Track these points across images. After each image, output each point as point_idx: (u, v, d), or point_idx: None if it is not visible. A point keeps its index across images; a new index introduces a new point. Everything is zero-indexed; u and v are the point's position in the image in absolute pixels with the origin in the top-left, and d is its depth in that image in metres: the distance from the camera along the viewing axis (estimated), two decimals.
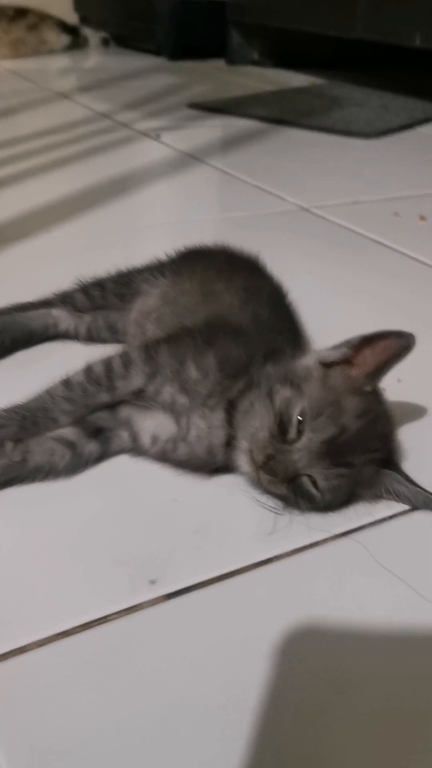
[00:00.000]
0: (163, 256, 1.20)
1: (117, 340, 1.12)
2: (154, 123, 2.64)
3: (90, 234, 1.63)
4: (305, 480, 0.81)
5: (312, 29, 3.39)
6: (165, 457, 0.89)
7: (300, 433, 0.80)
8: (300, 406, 0.80)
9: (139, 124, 2.63)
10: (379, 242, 1.65)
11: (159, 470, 0.89)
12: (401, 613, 0.72)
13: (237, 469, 0.86)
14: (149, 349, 0.91)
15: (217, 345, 0.88)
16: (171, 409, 0.88)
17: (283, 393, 0.82)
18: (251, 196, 1.94)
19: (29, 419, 0.87)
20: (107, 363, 0.91)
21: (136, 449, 0.90)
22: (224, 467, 0.88)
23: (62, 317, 1.15)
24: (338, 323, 1.01)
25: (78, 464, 0.87)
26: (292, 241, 1.64)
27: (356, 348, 0.84)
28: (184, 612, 0.70)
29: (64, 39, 4.38)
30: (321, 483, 0.80)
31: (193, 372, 0.87)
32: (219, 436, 0.86)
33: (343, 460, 0.80)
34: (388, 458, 0.85)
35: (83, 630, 0.68)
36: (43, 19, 4.24)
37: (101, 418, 0.90)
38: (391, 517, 0.84)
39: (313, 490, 0.81)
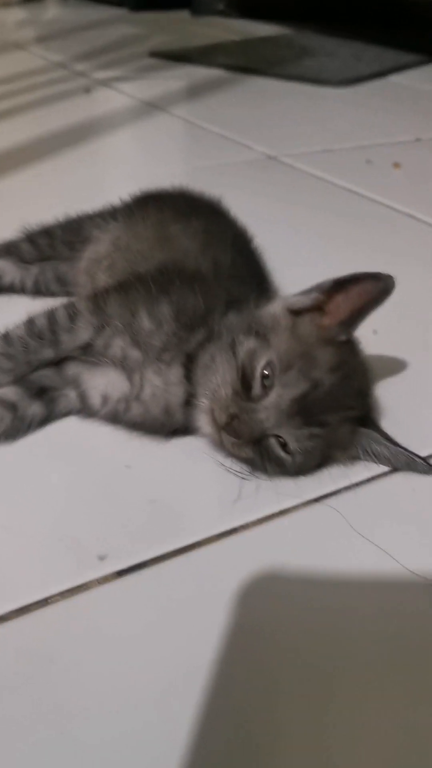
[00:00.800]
0: (117, 202, 1.09)
1: (67, 293, 1.02)
2: (112, 73, 2.50)
3: (42, 183, 1.52)
4: (273, 441, 0.72)
5: None
6: (117, 418, 0.79)
7: (267, 389, 0.71)
8: (266, 358, 0.71)
9: (98, 74, 2.48)
10: (351, 190, 1.55)
11: (110, 434, 0.79)
12: (379, 584, 0.64)
13: (197, 431, 0.77)
14: (97, 299, 0.81)
15: (172, 292, 0.79)
16: (122, 364, 0.79)
17: (247, 344, 0.73)
18: (216, 145, 1.83)
19: None
20: (50, 315, 0.81)
21: (84, 410, 0.81)
22: (183, 429, 0.79)
23: (6, 269, 1.04)
24: (308, 271, 0.90)
25: (19, 427, 0.77)
26: (259, 189, 1.53)
27: (328, 293, 0.75)
28: (137, 590, 0.62)
29: None
30: (291, 445, 0.71)
31: (145, 322, 0.78)
32: (176, 394, 0.77)
33: (315, 419, 0.71)
34: (365, 416, 0.76)
35: (18, 616, 0.59)
36: None
37: (45, 376, 0.80)
38: (368, 480, 0.76)
39: (282, 453, 0.72)
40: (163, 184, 1.11)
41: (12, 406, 0.77)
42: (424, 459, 0.74)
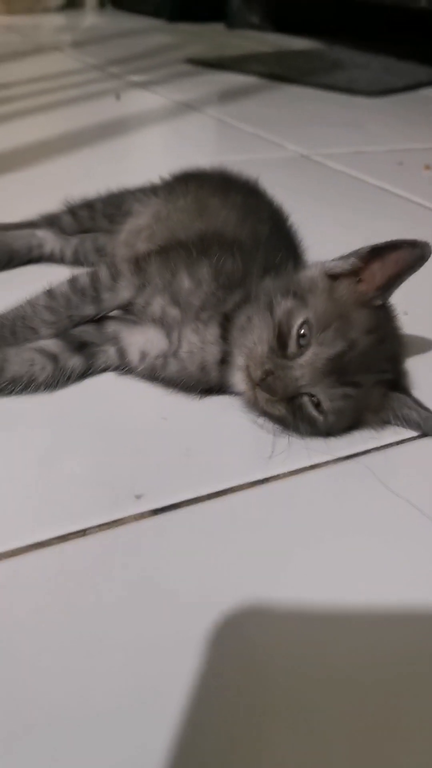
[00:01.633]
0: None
1: None
2: (147, 76, 2.55)
3: (79, 171, 1.55)
4: (306, 400, 0.73)
5: None
6: (154, 374, 0.81)
7: (302, 348, 0.73)
8: (303, 317, 0.73)
9: (133, 77, 2.53)
10: (382, 188, 1.58)
11: (147, 389, 0.81)
12: (409, 537, 0.65)
13: (232, 390, 0.79)
14: (139, 261, 0.84)
15: (212, 255, 0.81)
16: (161, 322, 0.81)
17: (284, 304, 0.75)
18: (249, 143, 1.86)
19: (7, 328, 0.80)
20: (93, 274, 0.83)
21: (123, 366, 0.83)
22: (218, 388, 0.81)
23: (47, 238, 1.07)
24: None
25: (60, 378, 0.79)
26: (292, 184, 1.55)
27: (365, 259, 0.76)
28: (172, 528, 0.64)
29: None
30: (324, 404, 0.73)
31: (185, 282, 0.80)
32: (213, 353, 0.79)
33: (349, 379, 0.73)
34: (397, 380, 0.78)
35: (60, 542, 0.61)
36: None
37: (86, 332, 0.82)
38: (398, 443, 0.77)
39: (315, 412, 0.74)
40: None
41: (53, 357, 0.79)
42: None
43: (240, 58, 2.97)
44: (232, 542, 0.63)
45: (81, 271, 0.85)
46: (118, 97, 2.22)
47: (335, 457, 0.74)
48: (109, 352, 0.83)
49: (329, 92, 2.50)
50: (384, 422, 0.78)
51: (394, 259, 0.75)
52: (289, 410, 0.74)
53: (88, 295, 0.82)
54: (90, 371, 0.82)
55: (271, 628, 0.55)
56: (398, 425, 0.78)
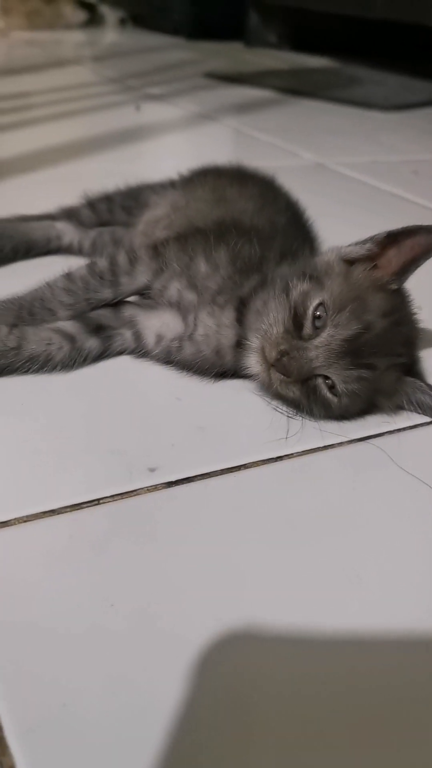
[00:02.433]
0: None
1: None
2: (166, 89, 2.58)
3: (98, 172, 1.57)
4: (321, 382, 0.74)
5: (331, 9, 3.33)
6: (170, 357, 0.82)
7: (318, 329, 0.73)
8: (319, 299, 0.74)
9: (151, 89, 2.57)
10: (397, 195, 1.59)
11: (162, 371, 0.82)
12: (424, 515, 0.65)
13: (246, 373, 0.79)
14: (157, 246, 0.85)
15: (229, 240, 0.82)
16: (178, 306, 0.82)
17: (300, 286, 0.75)
18: (265, 151, 1.88)
19: (26, 308, 0.81)
20: (112, 258, 0.84)
21: (138, 349, 0.83)
22: (232, 371, 0.81)
23: (66, 230, 1.09)
24: None
25: (76, 358, 0.80)
26: (307, 190, 1.55)
27: (381, 245, 0.77)
28: (186, 500, 0.64)
29: (81, 15, 4.33)
30: (339, 386, 0.73)
31: (202, 266, 0.81)
32: (228, 336, 0.80)
33: (364, 361, 0.73)
34: (411, 365, 0.78)
35: (72, 510, 0.61)
36: None
37: (103, 315, 0.83)
38: (412, 427, 0.77)
39: (329, 394, 0.74)
40: None
41: (71, 338, 0.80)
42: None
43: (257, 74, 3.00)
44: (243, 517, 0.63)
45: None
46: (138, 108, 2.24)
47: (349, 439, 0.74)
48: (126, 336, 0.83)
49: (345, 106, 2.52)
50: (397, 407, 0.78)
51: (410, 245, 0.76)
52: (303, 392, 0.74)
53: (107, 278, 0.83)
54: (106, 354, 0.83)
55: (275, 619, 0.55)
56: (411, 410, 0.78)
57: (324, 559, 0.59)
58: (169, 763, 0.43)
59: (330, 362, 0.72)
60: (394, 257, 0.77)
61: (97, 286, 0.82)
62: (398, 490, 0.68)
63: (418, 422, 0.78)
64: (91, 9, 4.43)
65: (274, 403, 0.77)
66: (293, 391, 0.75)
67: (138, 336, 0.83)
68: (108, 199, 1.10)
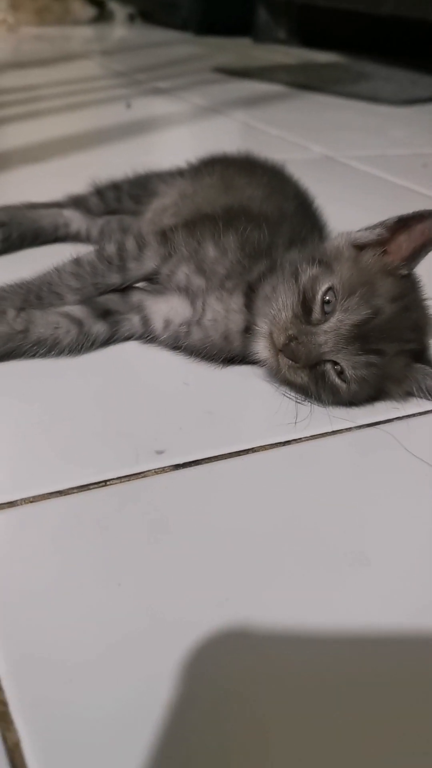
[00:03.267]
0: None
1: None
2: (173, 83, 2.57)
3: (105, 162, 1.56)
4: (329, 367, 0.73)
5: (340, 6, 3.32)
6: (177, 342, 0.82)
7: (327, 314, 0.73)
8: (328, 283, 0.73)
9: (159, 83, 2.56)
10: (407, 188, 1.58)
11: (170, 357, 0.82)
12: None
13: (254, 359, 0.79)
14: (166, 232, 0.84)
15: (238, 226, 0.81)
16: (186, 291, 0.81)
17: (310, 271, 0.75)
18: (274, 144, 1.87)
19: (33, 292, 0.80)
20: (120, 243, 0.84)
21: (146, 334, 0.83)
22: (240, 357, 0.81)
23: (74, 218, 1.08)
24: None
25: (83, 343, 0.80)
26: (317, 182, 1.55)
27: (392, 230, 0.76)
28: (193, 483, 0.63)
29: (90, 11, 4.32)
30: (348, 372, 0.72)
31: (211, 251, 0.80)
32: (236, 321, 0.79)
33: (373, 347, 0.72)
34: (420, 351, 0.78)
35: (79, 491, 0.61)
36: None
37: (111, 300, 0.83)
38: (422, 414, 0.76)
39: (338, 380, 0.73)
40: None
41: (78, 322, 0.80)
42: None
43: (266, 68, 2.99)
44: (250, 500, 0.62)
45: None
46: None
47: (357, 424, 0.73)
48: (133, 321, 0.83)
49: (354, 101, 2.51)
50: (407, 393, 0.78)
51: (420, 230, 0.75)
52: (312, 378, 0.74)
53: (115, 263, 0.82)
54: (114, 339, 0.83)
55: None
56: (421, 397, 0.77)
57: (332, 543, 0.58)
58: (167, 741, 0.42)
59: (339, 348, 0.72)
60: (404, 242, 0.76)
61: (105, 271, 0.82)
62: (408, 476, 0.67)
63: (428, 408, 0.77)
64: (99, 5, 4.43)
65: (283, 388, 0.77)
66: (301, 377, 0.74)
67: (146, 321, 0.83)
68: (116, 187, 1.09)
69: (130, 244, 0.83)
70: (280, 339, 0.73)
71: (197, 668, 0.47)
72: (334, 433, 0.72)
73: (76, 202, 1.10)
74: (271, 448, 0.69)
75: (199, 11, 4.08)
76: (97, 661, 0.47)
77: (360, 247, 0.78)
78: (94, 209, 1.09)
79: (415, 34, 3.54)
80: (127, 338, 0.83)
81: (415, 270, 0.77)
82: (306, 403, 0.75)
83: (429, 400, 0.77)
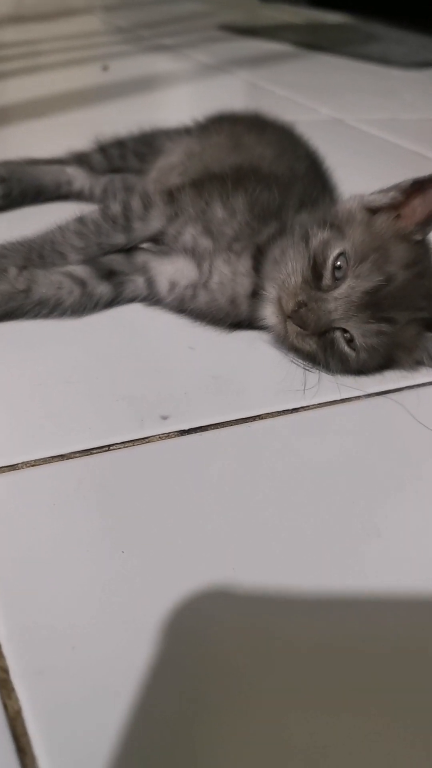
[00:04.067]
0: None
1: None
2: (178, 39, 2.51)
3: (108, 120, 1.52)
4: (339, 335, 0.71)
5: None
6: (183, 305, 0.79)
7: (338, 280, 0.70)
8: (340, 248, 0.71)
9: (163, 40, 2.50)
10: (419, 153, 1.54)
11: (174, 320, 0.80)
12: None
13: (261, 324, 0.77)
14: (172, 192, 0.82)
15: (247, 186, 0.79)
16: (192, 252, 0.79)
17: (320, 235, 0.72)
18: (281, 105, 1.82)
19: (36, 251, 0.78)
20: (126, 203, 0.81)
21: (151, 296, 0.81)
22: (247, 322, 0.79)
23: (77, 176, 1.05)
24: None
25: (87, 304, 0.78)
26: (326, 145, 1.51)
27: (406, 193, 0.74)
28: (198, 449, 0.62)
29: None
30: (357, 340, 0.71)
31: (219, 212, 0.78)
32: (244, 285, 0.77)
33: (384, 314, 0.70)
34: None
35: (82, 456, 0.59)
36: None
37: (115, 260, 0.81)
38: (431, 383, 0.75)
39: (347, 348, 0.71)
40: None
41: (81, 283, 0.77)
42: None
43: (273, 27, 2.92)
44: (256, 467, 0.61)
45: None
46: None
47: (366, 393, 0.72)
48: (138, 282, 0.81)
49: (363, 62, 2.46)
50: (417, 363, 0.76)
51: None
52: (320, 346, 0.72)
53: (119, 223, 0.80)
54: (117, 300, 0.80)
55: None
56: (431, 367, 0.75)
57: (339, 512, 0.57)
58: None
59: (349, 315, 0.70)
60: (419, 206, 0.74)
61: (110, 231, 0.80)
62: (416, 445, 0.66)
63: None
64: None
65: (290, 355, 0.75)
66: (310, 344, 0.72)
67: (151, 283, 0.80)
68: (120, 144, 1.06)
69: (136, 203, 0.81)
70: (289, 305, 0.71)
71: (191, 631, 0.46)
72: (342, 401, 0.70)
73: (79, 159, 1.06)
74: (278, 416, 0.67)
75: None
76: (97, 627, 0.46)
77: (373, 211, 0.75)
78: (98, 167, 1.06)
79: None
80: (131, 300, 0.81)
81: (429, 235, 0.75)
82: (314, 370, 0.73)
83: None
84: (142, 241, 0.82)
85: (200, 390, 0.69)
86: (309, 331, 0.71)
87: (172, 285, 0.79)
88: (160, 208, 0.80)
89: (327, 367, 0.73)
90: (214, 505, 0.56)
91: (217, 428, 0.64)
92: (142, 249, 0.82)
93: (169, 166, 0.98)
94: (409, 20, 3.32)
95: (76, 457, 0.59)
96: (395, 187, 0.75)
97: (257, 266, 0.77)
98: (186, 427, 0.64)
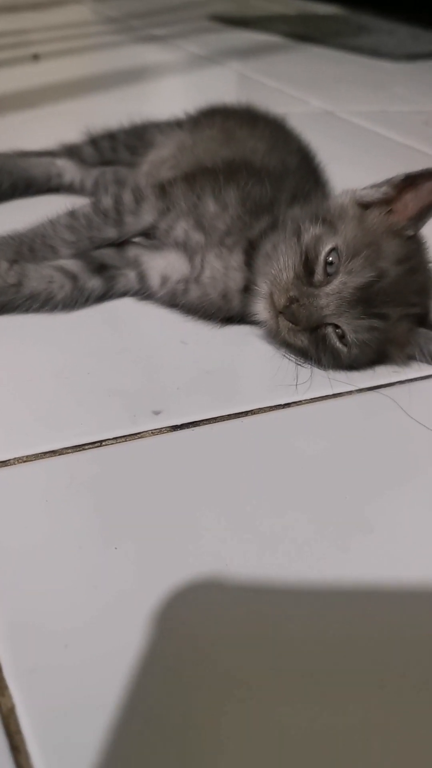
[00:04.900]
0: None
1: None
2: (168, 30, 2.49)
3: (98, 111, 1.51)
4: (330, 331, 0.71)
5: None
6: (174, 300, 0.79)
7: (330, 276, 0.70)
8: (332, 244, 0.71)
9: (153, 30, 2.48)
10: (409, 146, 1.54)
11: (166, 314, 0.79)
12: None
13: (253, 319, 0.77)
14: (164, 185, 0.81)
15: (239, 180, 0.78)
16: (184, 247, 0.78)
17: (312, 230, 0.72)
18: (272, 97, 1.81)
19: (26, 245, 0.77)
20: (117, 196, 0.81)
21: (143, 290, 0.80)
22: (239, 317, 0.79)
23: (67, 168, 1.05)
24: None
25: (78, 298, 0.77)
26: (316, 138, 1.51)
27: (398, 188, 0.74)
28: (191, 444, 0.62)
29: None
30: (349, 335, 0.71)
31: (211, 206, 0.77)
32: (236, 279, 0.77)
33: (376, 310, 0.70)
34: (424, 316, 0.76)
35: (74, 452, 0.59)
36: None
37: (107, 254, 0.80)
38: (424, 378, 0.75)
39: (339, 344, 0.71)
40: None
41: (73, 277, 0.77)
42: None
43: (264, 18, 2.91)
44: (249, 463, 0.61)
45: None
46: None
47: (358, 388, 0.72)
48: (129, 276, 0.80)
49: (354, 55, 2.45)
50: (409, 358, 0.76)
51: (428, 189, 0.73)
52: (312, 341, 0.72)
53: (111, 217, 0.79)
54: (109, 294, 0.80)
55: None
56: (424, 362, 0.76)
57: (330, 505, 0.57)
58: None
59: (341, 311, 0.70)
60: (411, 201, 0.74)
61: (101, 225, 0.79)
62: (408, 440, 0.66)
63: (429, 373, 0.76)
64: None
65: (282, 350, 0.75)
66: (301, 340, 0.72)
67: (142, 277, 0.80)
68: (111, 137, 1.05)
69: (127, 196, 0.81)
70: (281, 301, 0.71)
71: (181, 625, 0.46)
72: (334, 396, 0.71)
73: (70, 152, 1.06)
74: (270, 411, 0.67)
75: None
76: (90, 624, 0.46)
77: (365, 206, 0.75)
78: (89, 159, 1.05)
79: None
80: (123, 294, 0.81)
81: (421, 230, 0.75)
82: (306, 365, 0.73)
83: (431, 364, 0.76)
84: (134, 236, 0.81)
85: (192, 385, 0.69)
86: (301, 326, 0.71)
87: (164, 279, 0.79)
88: (152, 202, 0.80)
89: (319, 363, 0.73)
90: (207, 500, 0.56)
91: (210, 423, 0.64)
92: (134, 243, 0.82)
93: (161, 160, 0.97)
94: (400, 12, 3.31)
95: (68, 452, 0.59)
96: (387, 182, 0.75)
97: (249, 261, 0.77)
98: (178, 423, 0.64)
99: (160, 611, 0.47)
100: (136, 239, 0.82)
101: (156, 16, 2.78)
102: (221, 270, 0.77)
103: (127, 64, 1.96)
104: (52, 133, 1.12)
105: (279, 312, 0.72)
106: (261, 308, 0.74)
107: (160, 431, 0.63)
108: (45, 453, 0.58)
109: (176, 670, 0.44)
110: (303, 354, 0.74)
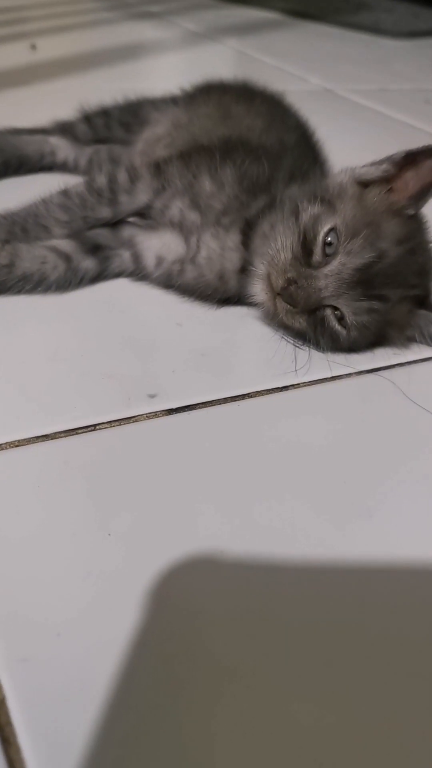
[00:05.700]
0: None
1: None
2: (166, 6, 2.45)
3: (93, 88, 1.48)
4: (329, 313, 0.70)
5: None
6: (170, 280, 0.78)
7: (328, 257, 0.69)
8: (330, 224, 0.69)
9: (150, 7, 2.44)
10: (409, 124, 1.52)
11: (161, 295, 0.78)
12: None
13: (250, 300, 0.75)
14: (159, 164, 0.80)
15: (236, 158, 0.77)
16: (180, 226, 0.77)
17: (311, 210, 0.71)
18: (270, 74, 1.78)
19: (19, 224, 0.76)
20: (111, 175, 0.79)
21: (137, 271, 0.79)
22: (236, 298, 0.77)
23: (61, 146, 1.03)
24: None
25: (71, 279, 0.76)
26: (316, 116, 1.49)
27: (399, 165, 0.72)
28: (186, 428, 0.61)
29: None
30: (348, 317, 0.69)
31: (207, 185, 0.76)
32: (232, 260, 0.75)
33: (376, 292, 0.69)
34: (424, 297, 0.74)
35: (67, 435, 0.58)
36: None
37: (101, 234, 0.79)
38: (424, 360, 0.74)
39: (338, 326, 0.70)
40: None
41: (66, 257, 0.75)
42: None
43: None
44: (246, 446, 0.60)
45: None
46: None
47: (357, 370, 0.71)
48: (124, 257, 0.79)
49: (354, 32, 2.42)
50: (409, 340, 0.75)
51: (429, 166, 0.71)
52: (310, 323, 0.70)
53: (105, 196, 0.78)
54: (103, 275, 0.79)
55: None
56: (423, 344, 0.74)
57: (328, 489, 0.56)
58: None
59: (340, 292, 0.68)
60: (411, 180, 0.72)
61: (95, 204, 0.78)
62: (407, 422, 0.65)
63: (429, 355, 0.75)
64: None
65: (280, 332, 0.73)
66: (300, 322, 0.71)
67: (137, 257, 0.79)
68: (105, 113, 1.03)
69: (122, 175, 0.79)
70: (279, 282, 0.69)
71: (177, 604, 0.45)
72: (333, 379, 0.69)
73: (63, 129, 1.04)
74: (268, 394, 0.66)
75: None
76: (82, 613, 0.45)
77: (364, 185, 0.73)
78: (82, 137, 1.03)
79: None
80: (117, 275, 0.79)
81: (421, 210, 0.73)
82: (304, 347, 0.72)
83: (430, 346, 0.74)
84: (129, 215, 0.80)
85: (188, 367, 0.68)
86: (299, 308, 0.69)
87: (159, 260, 0.78)
88: (147, 181, 0.78)
89: (317, 345, 0.72)
90: (203, 485, 0.55)
91: (206, 407, 0.63)
92: (129, 223, 0.80)
93: (156, 138, 0.95)
94: None
95: (61, 437, 0.58)
96: (387, 160, 0.73)
97: (246, 241, 0.75)
98: (174, 406, 0.62)
99: (154, 597, 0.46)
100: (131, 219, 0.80)
101: None
102: (217, 250, 0.75)
103: (122, 41, 1.93)
104: (46, 111, 1.10)
105: (277, 294, 0.70)
106: (258, 289, 0.73)
107: (155, 415, 0.61)
108: (38, 437, 0.57)
109: (169, 659, 0.43)
110: (301, 336, 0.72)
